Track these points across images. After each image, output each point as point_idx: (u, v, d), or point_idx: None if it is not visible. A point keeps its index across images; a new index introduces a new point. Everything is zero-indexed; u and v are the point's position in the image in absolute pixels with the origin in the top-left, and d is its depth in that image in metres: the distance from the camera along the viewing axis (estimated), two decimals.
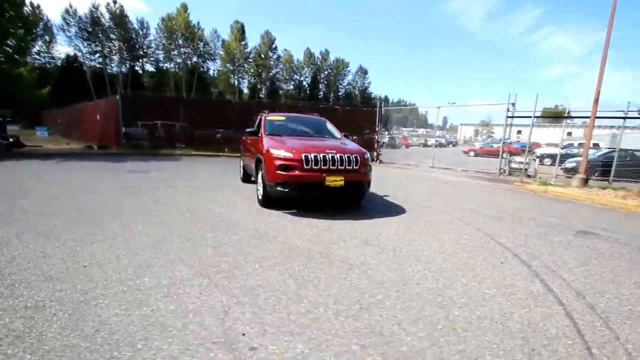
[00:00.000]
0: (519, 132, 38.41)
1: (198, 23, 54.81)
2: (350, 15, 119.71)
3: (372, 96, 78.94)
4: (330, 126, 6.75)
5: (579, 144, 20.36)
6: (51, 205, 4.86)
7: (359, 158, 5.09)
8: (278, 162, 4.84)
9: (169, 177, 8.21)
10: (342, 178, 4.89)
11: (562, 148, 18.99)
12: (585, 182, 10.49)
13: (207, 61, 58.11)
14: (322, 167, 4.84)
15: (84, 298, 2.34)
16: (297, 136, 5.88)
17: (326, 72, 73.72)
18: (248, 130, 6.42)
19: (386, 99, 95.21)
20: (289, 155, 4.84)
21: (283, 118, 6.57)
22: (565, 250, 3.93)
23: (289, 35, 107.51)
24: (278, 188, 4.85)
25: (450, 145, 44.65)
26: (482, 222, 5.07)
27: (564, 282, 3.02)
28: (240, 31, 59.22)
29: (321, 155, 4.84)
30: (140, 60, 53.80)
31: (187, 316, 2.18)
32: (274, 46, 64.10)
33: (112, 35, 48.50)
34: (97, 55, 49.26)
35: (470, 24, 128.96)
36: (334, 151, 4.97)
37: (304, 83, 70.91)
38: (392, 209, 5.66)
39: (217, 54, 58.11)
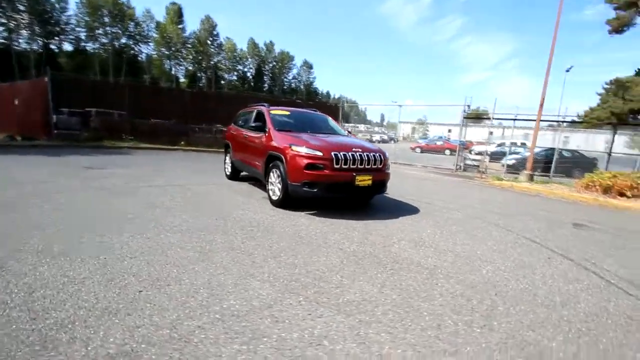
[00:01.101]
0: (449, 130, 42.17)
1: (128, 0, 49.27)
2: (291, 7, 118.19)
3: (318, 91, 79.64)
4: (333, 122, 6.55)
5: (511, 143, 22.97)
6: (35, 213, 3.89)
7: (382, 157, 5.00)
8: (305, 161, 4.51)
9: (141, 175, 7.21)
10: (370, 177, 4.75)
11: (497, 146, 21.38)
12: (531, 177, 11.89)
13: (139, 44, 52.63)
14: (351, 166, 4.66)
15: (178, 335, 1.88)
16: (308, 133, 5.57)
17: (271, 65, 72.15)
18: (253, 124, 5.84)
19: (327, 95, 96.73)
20: (318, 153, 4.54)
21: (287, 113, 6.16)
22: (581, 242, 4.35)
23: (230, 22, 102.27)
24: (304, 188, 4.53)
25: (392, 142, 47.07)
26: (493, 219, 5.38)
27: (609, 272, 3.32)
28: (177, 14, 54.78)
29: (350, 154, 4.65)
30: (57, 38, 46.51)
31: (322, 344, 1.88)
32: (215, 32, 60.66)
33: (19, 6, 41.05)
34: (1, 28, 41.37)
35: (403, 27, 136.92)
36: (360, 150, 4.80)
37: (248, 74, 68.47)
38: (401, 207, 5.70)
39: (151, 37, 52.95)
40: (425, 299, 2.50)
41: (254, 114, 6.36)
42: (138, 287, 2.36)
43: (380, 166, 4.96)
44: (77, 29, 46.89)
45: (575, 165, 14.51)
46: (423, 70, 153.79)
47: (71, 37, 47.07)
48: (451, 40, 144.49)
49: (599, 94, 10.78)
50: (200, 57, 59.15)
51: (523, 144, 23.14)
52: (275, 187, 5.05)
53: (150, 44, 53.65)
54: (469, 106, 14.08)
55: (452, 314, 2.30)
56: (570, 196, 8.11)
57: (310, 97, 65.54)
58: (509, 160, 17.15)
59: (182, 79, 60.86)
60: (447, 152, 27.60)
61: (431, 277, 2.89)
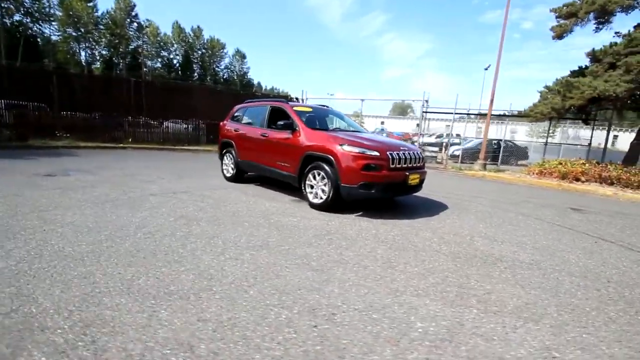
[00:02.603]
0: (382, 122, 44.84)
1: None
2: None
3: (252, 83, 77.02)
4: (348, 119, 6.39)
5: (447, 135, 25.30)
6: (55, 240, 3.00)
7: (422, 155, 5.06)
8: (363, 162, 4.31)
9: (120, 181, 6.14)
10: (418, 176, 4.78)
11: (437, 138, 23.40)
12: (484, 166, 13.30)
13: (40, 22, 44.40)
14: (404, 165, 4.61)
15: None
16: (339, 130, 5.33)
17: (200, 52, 67.35)
18: (282, 122, 5.26)
19: (259, 86, 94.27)
20: (375, 154, 4.38)
21: (310, 109, 5.80)
22: (592, 224, 5.00)
23: (150, 2, 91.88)
24: (361, 190, 4.35)
25: None
26: (510, 208, 5.86)
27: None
28: None
29: (401, 153, 4.60)
30: None
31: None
32: (133, 13, 54.16)
33: None
34: None
35: (329, 21, 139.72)
36: (405, 149, 4.78)
37: (175, 61, 62.92)
38: (422, 202, 5.89)
39: (55, 16, 45.07)
40: (573, 295, 2.61)
41: (268, 110, 5.88)
42: (312, 323, 2.01)
43: (422, 164, 5.02)
44: None
45: (511, 154, 16.64)
46: (351, 64, 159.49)
47: None
48: (376, 36, 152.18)
49: (540, 92, 12.33)
50: (117, 41, 52.31)
51: (458, 136, 25.74)
52: (317, 189, 4.75)
53: (54, 23, 45.63)
54: (427, 100, 15.04)
55: (608, 307, 2.44)
56: (539, 183, 9.24)
57: (245, 89, 63.14)
58: (456, 151, 18.77)
59: (95, 65, 53.32)
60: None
61: (547, 273, 3.02)
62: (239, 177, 6.53)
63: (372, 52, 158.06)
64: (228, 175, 6.70)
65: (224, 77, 72.62)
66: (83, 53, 51.87)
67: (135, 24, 54.64)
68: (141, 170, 7.59)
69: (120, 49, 53.06)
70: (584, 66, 11.15)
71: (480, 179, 10.60)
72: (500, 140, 14.57)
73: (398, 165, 4.51)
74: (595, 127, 12.84)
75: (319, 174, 4.71)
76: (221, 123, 7.19)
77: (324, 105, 6.65)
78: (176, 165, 8.78)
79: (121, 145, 12.92)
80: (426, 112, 15.17)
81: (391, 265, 2.96)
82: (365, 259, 3.07)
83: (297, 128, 5.12)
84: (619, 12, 10.11)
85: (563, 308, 2.38)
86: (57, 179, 5.97)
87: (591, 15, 10.37)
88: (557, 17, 10.74)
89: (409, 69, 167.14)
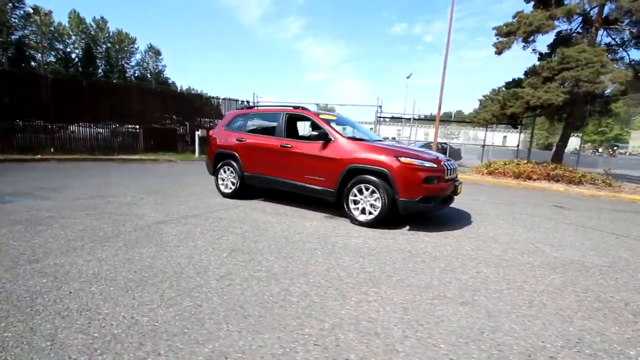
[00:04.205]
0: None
1: None
2: None
3: (169, 82, 70.71)
4: (364, 127, 6.15)
5: (384, 138, 26.95)
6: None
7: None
8: (423, 174, 4.11)
9: (94, 206, 4.90)
10: (461, 185, 4.78)
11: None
12: None
13: None
14: (451, 176, 4.57)
15: None
16: (367, 141, 5.06)
17: (105, 46, 59.36)
18: (315, 132, 4.71)
19: (174, 85, 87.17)
20: (434, 165, 4.22)
21: (334, 117, 5.35)
22: (585, 219, 5.68)
23: None
24: (421, 204, 4.14)
25: None
26: (509, 209, 6.31)
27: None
28: None
29: (448, 163, 4.55)
30: None
31: None
32: None
33: None
34: None
35: (249, 22, 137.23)
36: (444, 159, 4.74)
37: (74, 56, 54.19)
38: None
39: None
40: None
41: (284, 118, 5.28)
42: None
43: (457, 174, 5.06)
44: None
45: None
46: (274, 67, 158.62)
47: None
48: (296, 40, 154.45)
49: (480, 100, 13.84)
50: None
51: (393, 139, 27.79)
52: (364, 205, 4.40)
53: None
54: (380, 107, 15.63)
55: None
56: (500, 182, 10.19)
57: (162, 88, 57.65)
58: None
59: None
60: None
61: (634, 274, 3.24)
62: (242, 192, 5.75)
63: (294, 55, 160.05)
64: (227, 191, 5.85)
65: (135, 74, 65.40)
66: None
67: (21, 11, 45.39)
68: (103, 189, 6.18)
69: (0, 39, 43.46)
70: (517, 78, 12.84)
71: None
72: (445, 143, 15.92)
73: (448, 177, 4.45)
74: (521, 130, 14.92)
75: (367, 189, 4.36)
76: (211, 132, 6.26)
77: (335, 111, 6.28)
78: (139, 181, 7.38)
79: (39, 156, 10.45)
80: (381, 117, 15.75)
81: (520, 287, 2.83)
82: (488, 282, 2.89)
83: (331, 138, 4.68)
84: (540, 34, 11.91)
85: None
86: (14, 206, 4.46)
87: (521, 35, 11.97)
88: (496, 35, 12.15)
89: (330, 74, 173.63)
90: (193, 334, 1.94)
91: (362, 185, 4.38)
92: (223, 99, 15.88)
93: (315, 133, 4.70)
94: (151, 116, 14.74)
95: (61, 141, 11.58)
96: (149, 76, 66.09)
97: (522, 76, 12.42)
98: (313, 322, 2.13)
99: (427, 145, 17.06)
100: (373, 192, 4.31)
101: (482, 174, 11.89)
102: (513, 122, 14.27)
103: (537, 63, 11.47)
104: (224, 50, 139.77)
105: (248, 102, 16.32)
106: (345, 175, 4.49)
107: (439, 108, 14.37)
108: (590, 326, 2.25)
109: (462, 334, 2.08)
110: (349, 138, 4.75)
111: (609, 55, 10.37)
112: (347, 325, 2.12)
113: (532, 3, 11.81)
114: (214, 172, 6.06)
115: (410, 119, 16.30)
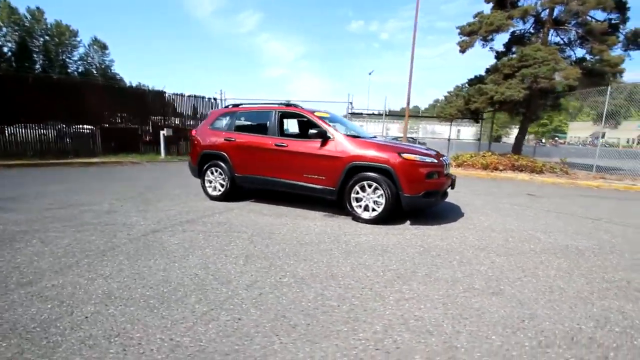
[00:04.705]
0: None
1: None
2: None
3: (117, 77, 65.85)
4: (352, 123, 6.14)
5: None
6: None
7: None
8: (426, 170, 4.19)
9: (70, 217, 4.44)
10: (454, 179, 4.96)
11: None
12: None
13: None
14: (448, 171, 4.72)
15: None
16: (363, 138, 5.07)
17: (43, 39, 53.89)
18: (314, 131, 4.55)
19: (122, 81, 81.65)
20: (434, 161, 4.32)
21: (328, 115, 5.27)
22: (558, 206, 6.18)
23: None
24: (424, 199, 4.23)
25: None
26: (491, 199, 6.67)
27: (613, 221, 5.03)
28: None
29: (444, 159, 4.69)
30: None
31: None
32: None
33: None
34: None
35: (201, 16, 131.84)
36: (440, 154, 4.87)
37: (6, 49, 48.52)
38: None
39: None
40: None
41: (276, 116, 5.13)
42: None
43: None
44: None
45: None
46: (231, 63, 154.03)
47: None
48: (252, 35, 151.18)
49: (445, 96, 14.48)
50: None
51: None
52: (367, 202, 4.41)
53: None
54: (351, 103, 15.77)
55: None
56: (471, 174, 10.74)
57: (119, 85, 53.62)
58: None
59: None
60: None
61: (631, 256, 3.56)
62: (232, 194, 5.51)
63: (251, 50, 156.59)
64: (215, 193, 5.57)
65: (79, 70, 60.22)
66: None
67: None
68: (70, 197, 5.61)
69: None
70: (479, 75, 13.59)
71: None
72: (414, 137, 16.49)
73: (445, 172, 4.59)
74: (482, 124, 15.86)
75: (369, 186, 4.37)
76: (194, 132, 5.91)
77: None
78: (109, 187, 6.79)
79: None
80: (352, 113, 15.90)
81: (534, 273, 3.00)
82: (505, 271, 3.02)
83: (330, 136, 4.62)
84: (498, 34, 12.69)
85: None
86: None
87: (482, 34, 12.67)
88: (459, 34, 12.75)
89: (287, 70, 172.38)
90: (247, 350, 1.82)
91: (365, 183, 4.38)
92: (189, 96, 15.07)
93: (313, 131, 4.60)
94: (108, 115, 13.65)
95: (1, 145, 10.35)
96: (95, 72, 61.10)
97: (483, 73, 13.17)
98: (364, 326, 2.08)
99: (396, 139, 17.50)
100: (376, 189, 4.33)
101: (452, 167, 12.48)
102: (475, 116, 15.12)
103: (496, 61, 12.23)
104: (175, 44, 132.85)
105: (215, 99, 15.67)
106: (347, 172, 4.46)
107: (408, 103, 14.83)
108: (609, 305, 2.44)
109: (506, 324, 2.15)
110: (347, 135, 4.72)
111: (559, 54, 11.30)
112: (398, 325, 2.10)
113: (491, 4, 12.51)
114: (199, 175, 5.74)
115: (382, 114, 16.67)
